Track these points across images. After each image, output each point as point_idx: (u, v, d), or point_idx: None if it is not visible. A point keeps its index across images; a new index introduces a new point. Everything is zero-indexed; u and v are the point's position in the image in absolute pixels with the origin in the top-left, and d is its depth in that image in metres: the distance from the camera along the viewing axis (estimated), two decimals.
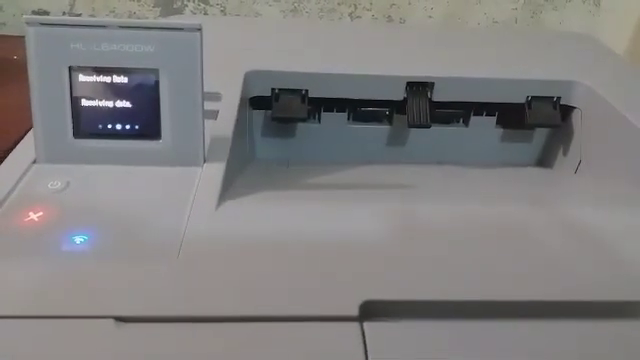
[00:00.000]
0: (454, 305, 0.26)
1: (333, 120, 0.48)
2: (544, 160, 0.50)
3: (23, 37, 0.32)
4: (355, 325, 0.24)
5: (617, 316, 0.26)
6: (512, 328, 0.25)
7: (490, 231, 0.31)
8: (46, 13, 0.69)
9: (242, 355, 0.23)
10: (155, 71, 0.32)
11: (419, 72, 0.45)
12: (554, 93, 0.46)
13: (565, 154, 0.47)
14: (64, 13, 0.70)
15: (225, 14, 0.73)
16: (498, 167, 0.48)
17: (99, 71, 0.32)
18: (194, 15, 0.72)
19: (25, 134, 0.37)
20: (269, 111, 0.46)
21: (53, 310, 0.24)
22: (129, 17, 0.71)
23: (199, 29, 0.32)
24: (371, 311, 0.25)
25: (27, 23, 0.31)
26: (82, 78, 0.32)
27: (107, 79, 0.32)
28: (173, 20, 0.58)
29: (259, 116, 0.47)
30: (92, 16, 0.71)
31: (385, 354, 0.23)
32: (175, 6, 0.73)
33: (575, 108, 0.46)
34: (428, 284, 0.27)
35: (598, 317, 0.26)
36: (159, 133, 0.33)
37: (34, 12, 0.69)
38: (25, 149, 0.34)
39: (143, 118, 0.33)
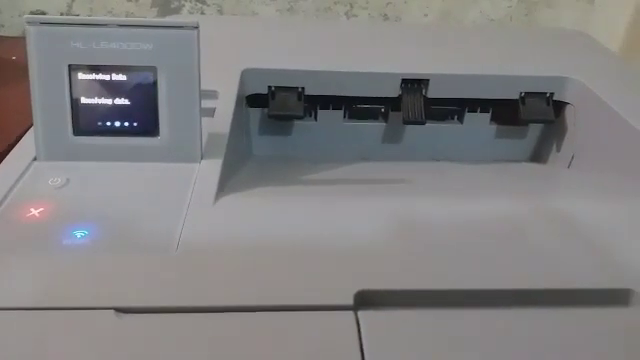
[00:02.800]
0: (448, 294, 0.26)
1: (329, 117, 0.48)
2: (538, 155, 0.50)
3: (21, 38, 0.32)
4: (350, 314, 0.25)
5: (607, 304, 0.27)
6: (506, 316, 0.26)
7: (485, 224, 0.32)
8: (43, 14, 0.70)
9: (239, 344, 0.23)
10: (153, 69, 0.33)
11: (414, 69, 0.46)
12: (547, 89, 0.46)
13: (558, 149, 0.48)
14: (62, 14, 0.71)
15: (222, 13, 0.73)
16: (492, 163, 0.49)
17: (98, 69, 0.33)
18: (191, 15, 0.73)
19: (24, 133, 0.37)
20: (266, 109, 0.46)
21: (55, 302, 0.25)
22: (127, 17, 0.72)
23: (196, 27, 0.32)
24: (366, 300, 0.25)
25: (28, 22, 0.32)
26: (81, 76, 0.33)
27: (106, 77, 0.33)
28: (171, 19, 0.58)
29: (256, 114, 0.47)
30: (90, 16, 0.72)
31: (379, 342, 0.24)
32: (172, 6, 0.73)
33: (568, 104, 0.47)
34: (422, 274, 0.27)
35: (593, 305, 0.27)
36: (157, 130, 0.34)
37: (32, 12, 0.70)
38: (25, 147, 0.35)
39: (141, 115, 0.34)
